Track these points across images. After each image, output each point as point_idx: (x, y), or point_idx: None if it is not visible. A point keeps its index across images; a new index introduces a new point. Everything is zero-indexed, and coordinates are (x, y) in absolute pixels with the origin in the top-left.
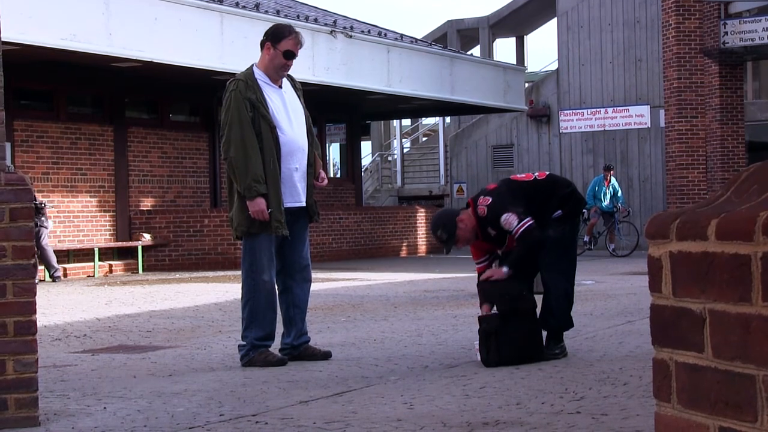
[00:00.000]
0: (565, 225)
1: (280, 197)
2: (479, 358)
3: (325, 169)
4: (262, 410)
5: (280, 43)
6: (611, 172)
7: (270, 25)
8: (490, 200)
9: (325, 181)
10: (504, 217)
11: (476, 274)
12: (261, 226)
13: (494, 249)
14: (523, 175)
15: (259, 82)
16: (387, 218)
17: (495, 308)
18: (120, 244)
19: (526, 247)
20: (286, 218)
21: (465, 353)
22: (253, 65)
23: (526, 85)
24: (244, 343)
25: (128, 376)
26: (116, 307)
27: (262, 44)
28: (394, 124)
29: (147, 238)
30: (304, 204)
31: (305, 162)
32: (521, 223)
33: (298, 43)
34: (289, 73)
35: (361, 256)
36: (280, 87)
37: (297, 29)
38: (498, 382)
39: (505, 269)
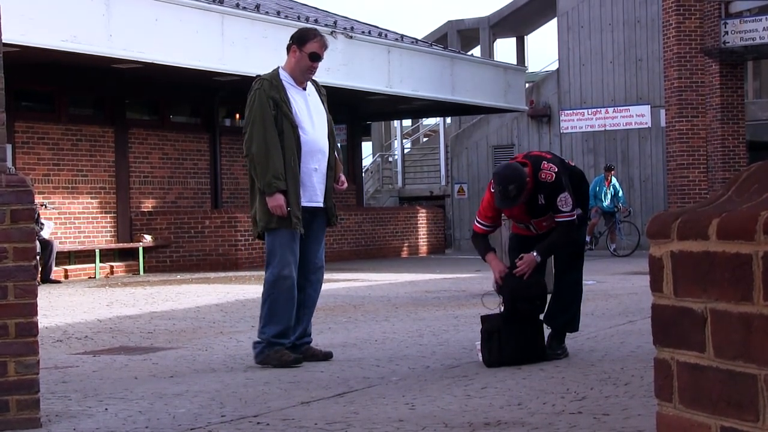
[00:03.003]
0: (583, 227)
1: (299, 195)
2: (480, 358)
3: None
4: (264, 411)
5: (306, 46)
6: (612, 172)
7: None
8: (557, 170)
9: (345, 185)
10: (564, 195)
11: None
12: (279, 221)
13: (511, 217)
14: (564, 158)
15: (284, 83)
16: (388, 219)
17: (503, 304)
18: (121, 245)
19: (564, 237)
20: (304, 217)
21: (466, 353)
22: (279, 67)
23: (527, 85)
24: (260, 340)
25: (129, 377)
26: (117, 308)
27: (288, 47)
28: (395, 125)
29: (148, 239)
30: (321, 205)
31: (325, 164)
32: (573, 212)
33: (324, 46)
34: (314, 78)
35: (362, 256)
36: (305, 89)
37: (322, 33)
38: (499, 383)
39: (536, 256)
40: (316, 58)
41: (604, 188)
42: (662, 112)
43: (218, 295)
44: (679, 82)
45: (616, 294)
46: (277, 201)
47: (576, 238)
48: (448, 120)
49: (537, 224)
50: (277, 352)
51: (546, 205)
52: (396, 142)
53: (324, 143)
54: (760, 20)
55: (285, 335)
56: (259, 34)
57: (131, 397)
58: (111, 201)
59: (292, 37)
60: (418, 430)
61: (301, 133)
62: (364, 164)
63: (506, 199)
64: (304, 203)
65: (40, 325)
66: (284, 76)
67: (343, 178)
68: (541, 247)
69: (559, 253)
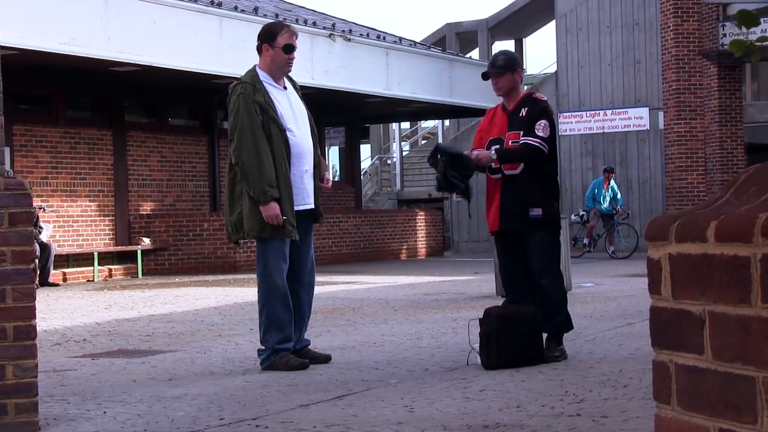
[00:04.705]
0: (554, 233)
1: (292, 201)
2: (479, 360)
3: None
4: (263, 414)
5: (277, 40)
6: (612, 174)
7: None
8: (548, 103)
9: (330, 183)
10: (544, 122)
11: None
12: (272, 230)
13: (495, 136)
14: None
15: (265, 84)
16: (386, 221)
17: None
18: (119, 248)
19: (522, 156)
20: (296, 221)
21: (465, 356)
22: (255, 67)
23: (525, 87)
24: (264, 347)
25: (128, 380)
26: (116, 311)
27: (259, 48)
28: (394, 127)
29: (146, 242)
30: (312, 206)
31: (312, 164)
32: (543, 141)
33: (294, 35)
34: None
35: (360, 259)
36: (285, 88)
37: (288, 23)
38: (498, 385)
39: (493, 154)
40: (290, 49)
41: (603, 191)
42: (660, 114)
43: (217, 297)
44: (677, 85)
45: (614, 296)
46: (272, 210)
47: (552, 244)
48: (447, 122)
49: (507, 140)
50: (282, 357)
51: (524, 120)
52: (395, 144)
53: (309, 143)
54: (759, 23)
55: (287, 340)
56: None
57: (130, 401)
58: (109, 204)
59: (259, 37)
60: None
61: (289, 136)
62: (362, 167)
63: (492, 66)
64: (298, 207)
65: (38, 328)
66: (264, 76)
67: (328, 176)
68: (501, 149)
69: (532, 258)
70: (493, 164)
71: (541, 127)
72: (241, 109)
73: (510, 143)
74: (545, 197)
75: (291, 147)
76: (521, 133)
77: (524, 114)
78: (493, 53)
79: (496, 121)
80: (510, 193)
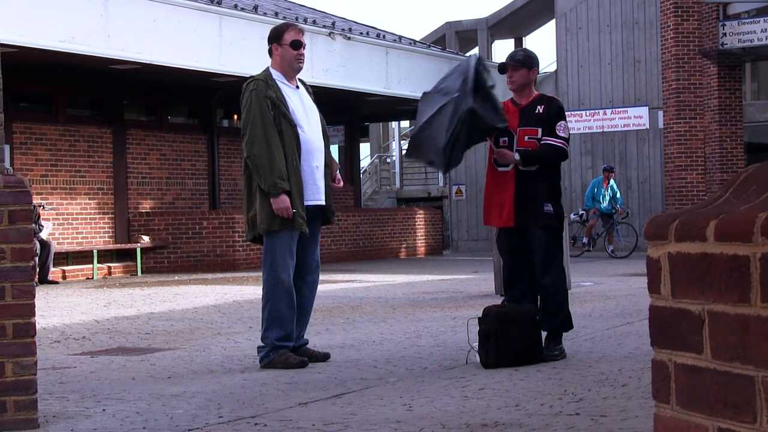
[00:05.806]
0: (560, 233)
1: (303, 194)
2: (478, 359)
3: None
4: (261, 412)
5: (284, 38)
6: (611, 173)
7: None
8: (562, 104)
9: (341, 184)
10: (564, 123)
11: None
12: (282, 223)
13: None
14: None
15: (278, 82)
16: (386, 220)
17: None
18: (119, 246)
19: (545, 157)
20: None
21: (464, 355)
22: (268, 67)
23: None
24: (264, 344)
25: (127, 378)
26: (115, 309)
27: (270, 50)
28: (393, 126)
29: (146, 240)
30: (323, 203)
31: (323, 161)
32: (564, 141)
33: (301, 32)
34: (298, 77)
35: (359, 257)
36: (297, 87)
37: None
38: (497, 384)
39: (517, 156)
40: (298, 45)
41: (602, 190)
42: (660, 113)
43: (216, 296)
44: (677, 84)
45: (613, 295)
46: (282, 203)
47: (557, 242)
48: None
49: (519, 136)
50: (281, 355)
51: (541, 117)
52: (394, 143)
53: (320, 141)
54: (758, 22)
55: (288, 338)
56: (257, 35)
57: (129, 398)
58: (109, 202)
59: (269, 39)
60: (416, 431)
61: (299, 132)
62: (362, 165)
63: (511, 59)
64: (308, 202)
65: (37, 326)
66: (276, 74)
67: (339, 176)
68: (525, 151)
69: (536, 257)
70: (498, 160)
71: (561, 128)
72: (254, 104)
73: (525, 139)
74: (554, 196)
75: (301, 143)
76: (539, 130)
77: (540, 111)
78: (516, 50)
79: (509, 113)
80: (525, 189)
